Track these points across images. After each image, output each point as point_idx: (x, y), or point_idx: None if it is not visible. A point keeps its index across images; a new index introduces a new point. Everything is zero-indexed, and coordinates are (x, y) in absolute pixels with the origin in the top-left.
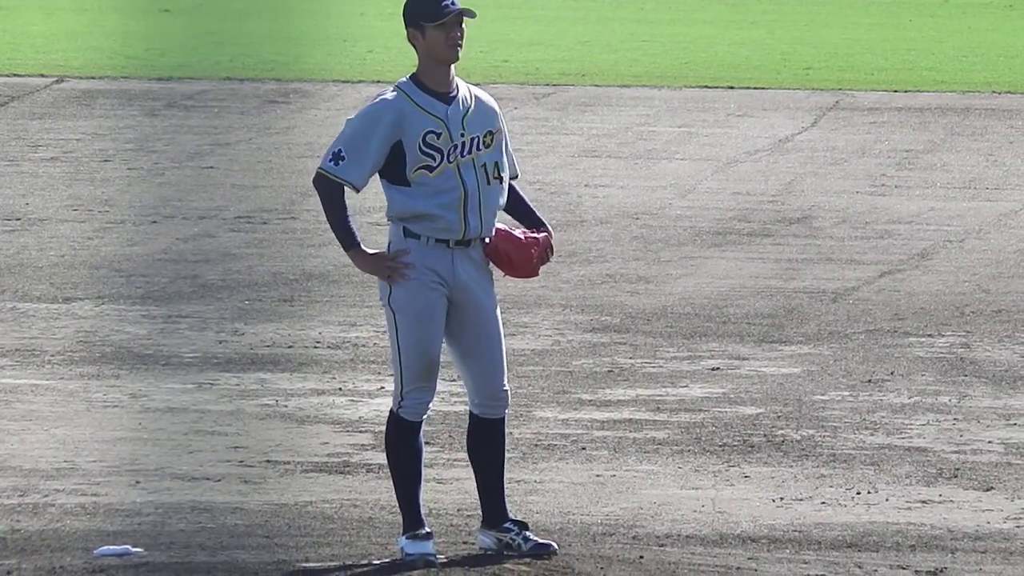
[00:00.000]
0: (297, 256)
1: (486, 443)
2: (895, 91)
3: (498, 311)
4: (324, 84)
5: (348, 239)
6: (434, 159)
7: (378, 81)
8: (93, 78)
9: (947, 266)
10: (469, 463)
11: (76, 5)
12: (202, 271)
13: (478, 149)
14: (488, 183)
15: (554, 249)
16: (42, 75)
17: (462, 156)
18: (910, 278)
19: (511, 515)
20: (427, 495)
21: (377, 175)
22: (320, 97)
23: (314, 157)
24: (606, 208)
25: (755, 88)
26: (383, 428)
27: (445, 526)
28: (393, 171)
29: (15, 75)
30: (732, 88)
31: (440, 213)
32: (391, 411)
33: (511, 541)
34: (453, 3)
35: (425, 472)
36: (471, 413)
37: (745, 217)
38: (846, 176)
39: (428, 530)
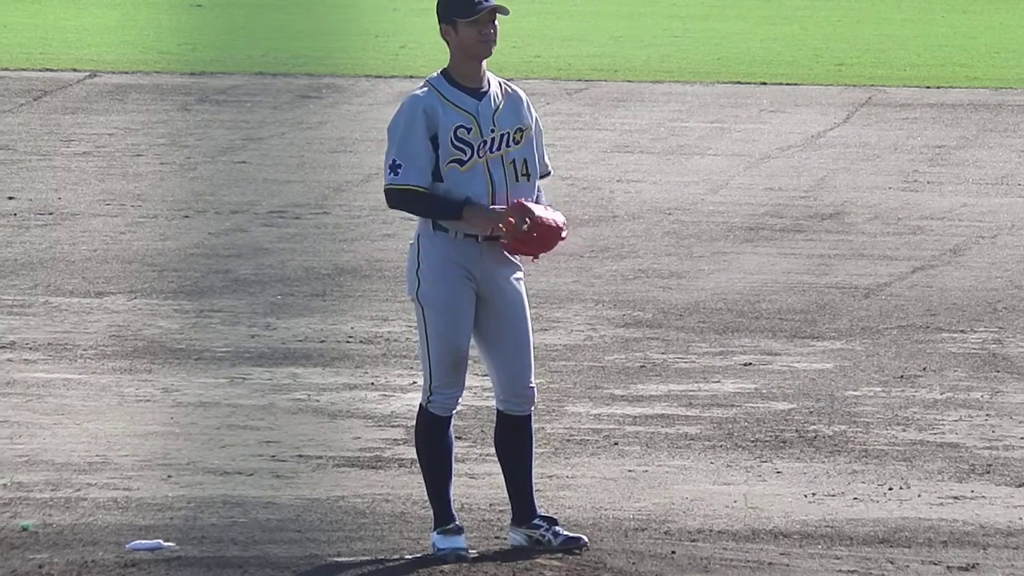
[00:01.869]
0: (329, 251)
1: (513, 441)
2: (928, 87)
3: (527, 308)
4: (356, 79)
5: (453, 211)
6: (464, 153)
7: (411, 76)
8: (125, 73)
9: (979, 262)
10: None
11: (108, 0)
12: (234, 266)
13: (508, 145)
14: (516, 180)
15: (536, 217)
16: (74, 70)
17: (491, 152)
18: (942, 274)
19: (542, 511)
20: (459, 490)
21: None
22: (353, 92)
23: (346, 152)
24: (638, 203)
25: (788, 84)
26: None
27: (477, 521)
28: None
29: (48, 70)
30: (765, 84)
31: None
32: (420, 406)
33: (541, 537)
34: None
35: (457, 467)
36: (497, 410)
37: (777, 213)
38: (878, 172)
39: (459, 524)
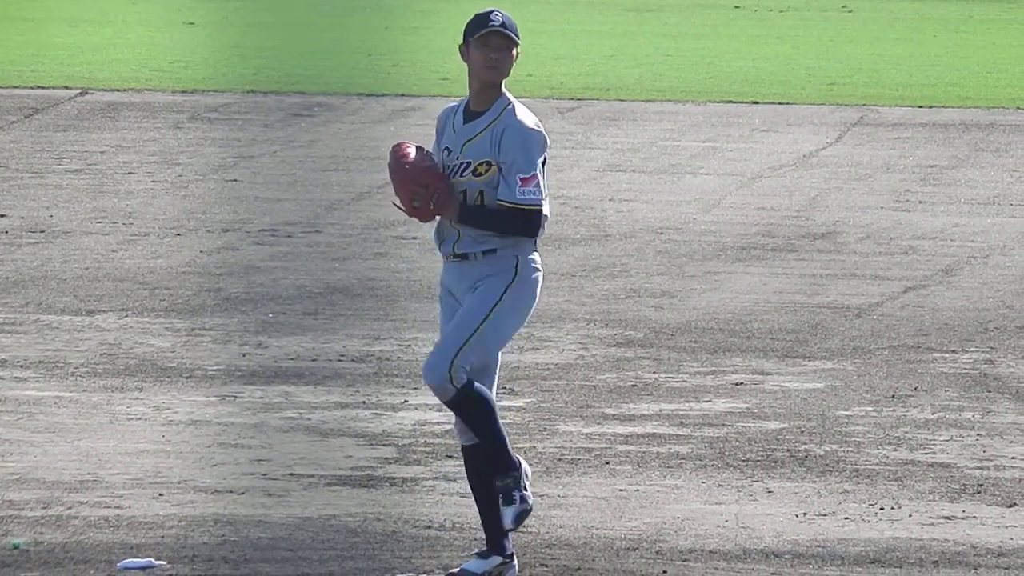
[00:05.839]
0: (321, 269)
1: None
2: (919, 107)
3: (491, 305)
4: (348, 97)
5: None
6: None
7: (403, 95)
8: (117, 90)
9: (971, 282)
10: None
11: (100, 17)
12: (226, 284)
13: (462, 175)
14: None
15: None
16: (66, 87)
17: (452, 177)
18: (934, 294)
19: (532, 530)
20: (451, 508)
21: None
22: (344, 110)
23: (338, 170)
24: (630, 223)
25: (780, 103)
26: (407, 441)
27: (468, 540)
28: None
29: (39, 87)
30: (757, 103)
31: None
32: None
33: None
34: (501, 25)
35: (450, 487)
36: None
37: (769, 232)
38: (870, 192)
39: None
